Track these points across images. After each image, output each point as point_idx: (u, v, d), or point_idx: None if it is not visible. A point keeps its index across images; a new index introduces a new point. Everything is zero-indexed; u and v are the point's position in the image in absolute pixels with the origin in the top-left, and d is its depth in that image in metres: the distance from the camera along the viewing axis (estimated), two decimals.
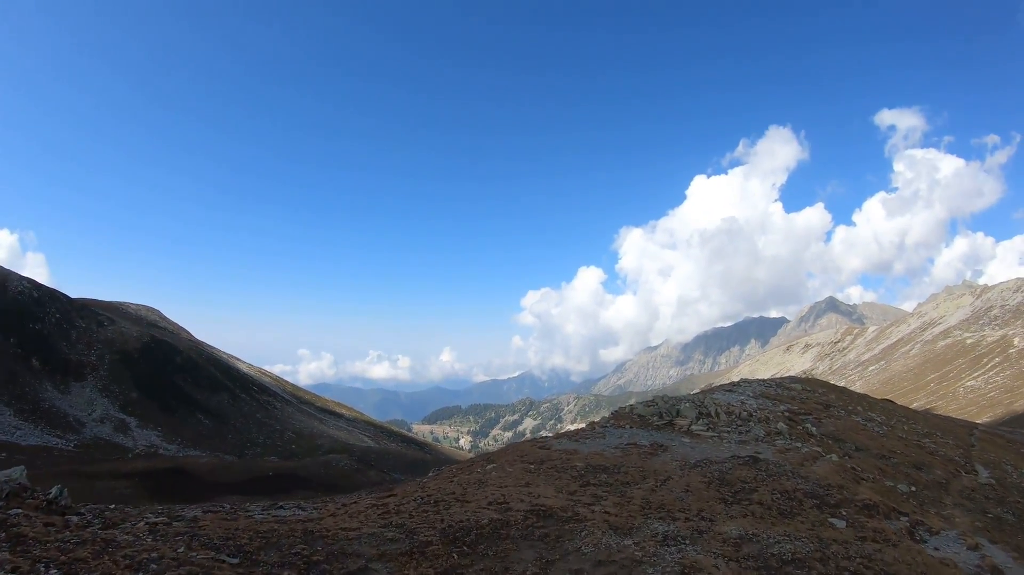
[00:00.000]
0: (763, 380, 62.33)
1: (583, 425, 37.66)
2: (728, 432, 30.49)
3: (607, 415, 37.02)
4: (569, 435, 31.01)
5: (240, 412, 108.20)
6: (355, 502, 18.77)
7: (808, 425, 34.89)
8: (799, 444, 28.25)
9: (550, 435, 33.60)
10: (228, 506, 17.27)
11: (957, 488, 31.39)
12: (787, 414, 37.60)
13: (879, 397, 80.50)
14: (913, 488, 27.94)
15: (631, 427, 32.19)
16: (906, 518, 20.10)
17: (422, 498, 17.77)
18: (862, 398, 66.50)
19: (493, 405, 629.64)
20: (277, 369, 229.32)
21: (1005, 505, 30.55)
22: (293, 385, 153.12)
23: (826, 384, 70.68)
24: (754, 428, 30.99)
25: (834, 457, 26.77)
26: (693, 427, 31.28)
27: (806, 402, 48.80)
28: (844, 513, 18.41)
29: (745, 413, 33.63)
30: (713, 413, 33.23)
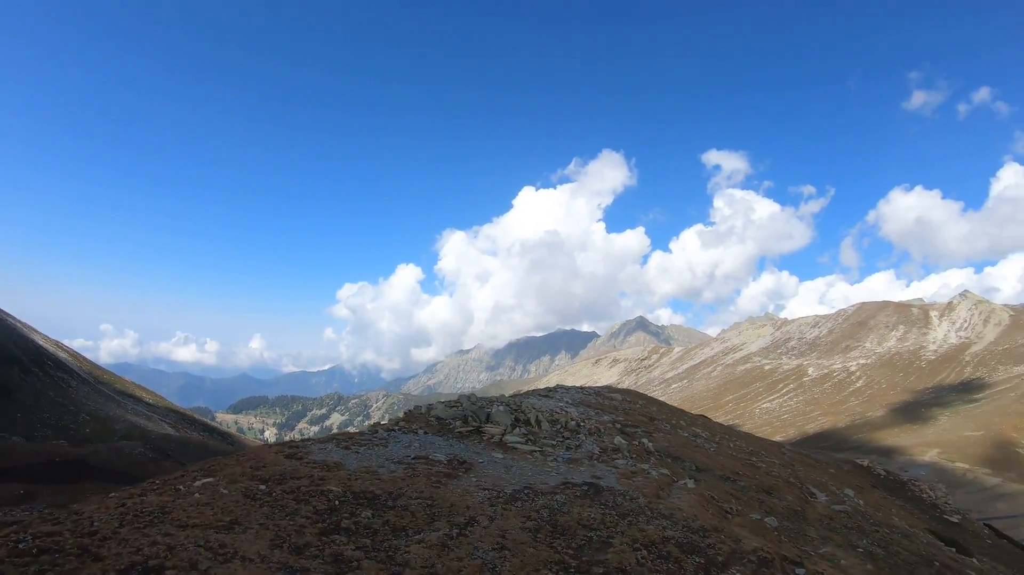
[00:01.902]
0: (581, 387, 58.25)
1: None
2: (553, 446, 24.20)
3: (401, 415, 29.63)
4: (340, 439, 22.69)
5: (31, 388, 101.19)
6: None
7: (644, 440, 29.78)
8: (644, 466, 22.54)
9: (315, 436, 24.97)
10: None
11: (814, 516, 27.59)
12: (618, 426, 32.49)
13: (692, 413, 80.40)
14: (774, 520, 23.31)
15: (426, 433, 24.84)
16: (803, 570, 14.74)
17: (20, 542, 9.23)
18: (681, 412, 64.67)
19: (301, 398, 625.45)
20: (77, 344, 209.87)
21: (867, 535, 27.22)
22: (92, 363, 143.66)
23: (645, 396, 68.40)
24: (585, 442, 25.06)
25: (690, 483, 21.31)
26: (508, 438, 24.53)
27: (630, 413, 44.67)
28: None
29: (572, 423, 27.67)
30: (534, 421, 26.90)
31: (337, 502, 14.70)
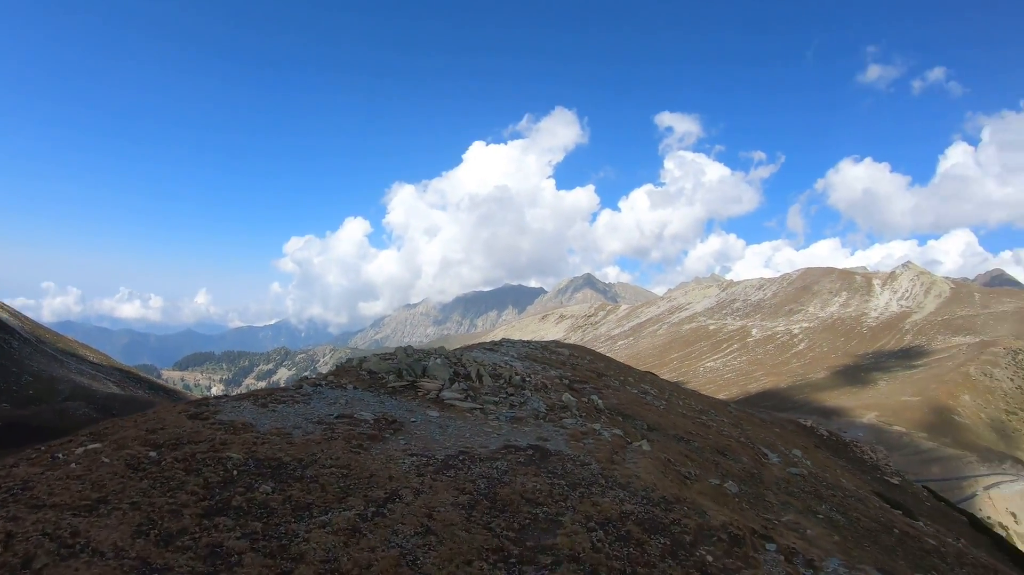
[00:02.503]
0: (528, 342, 56.47)
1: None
2: (495, 403, 22.14)
3: (331, 369, 27.16)
4: (258, 396, 20.17)
5: None
6: None
7: (594, 397, 27.96)
8: (595, 426, 20.66)
9: (231, 393, 22.35)
10: None
11: (771, 479, 26.33)
12: (566, 382, 30.68)
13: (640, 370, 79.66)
14: (733, 485, 21.83)
15: (356, 388, 22.54)
16: (773, 545, 13.04)
17: None
18: (628, 369, 63.59)
19: (248, 353, 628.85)
20: (18, 303, 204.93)
21: (824, 499, 26.13)
22: (34, 322, 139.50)
23: (592, 352, 67.09)
24: (531, 399, 23.06)
25: (645, 445, 19.59)
26: (445, 393, 22.37)
27: (578, 368, 43.04)
28: (711, 560, 10.59)
29: (517, 378, 25.61)
30: (475, 375, 24.76)
31: (235, 472, 12.42)
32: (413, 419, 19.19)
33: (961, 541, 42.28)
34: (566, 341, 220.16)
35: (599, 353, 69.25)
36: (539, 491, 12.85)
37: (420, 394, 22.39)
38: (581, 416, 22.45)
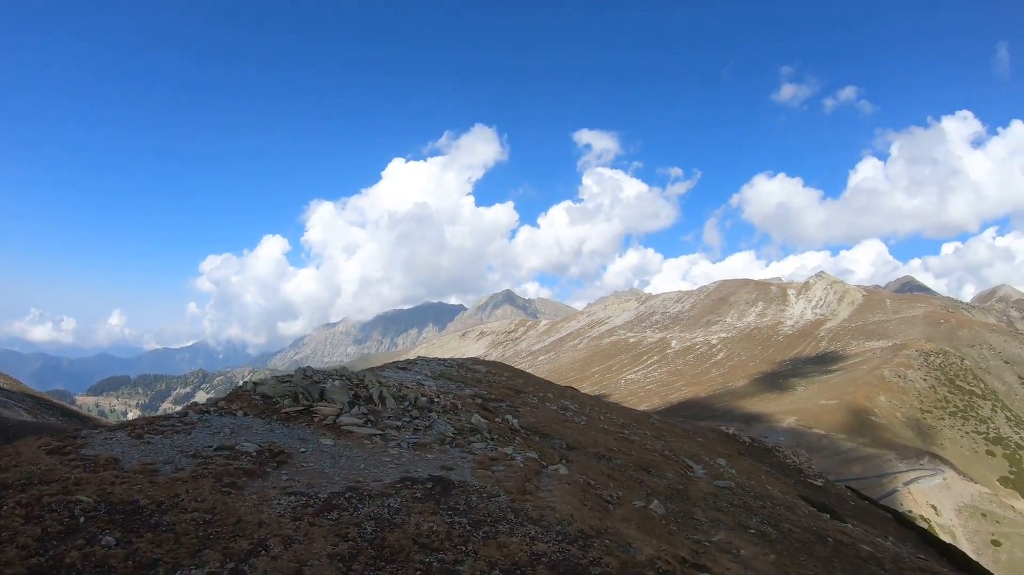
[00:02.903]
0: (444, 359, 54.49)
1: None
2: (398, 428, 20.12)
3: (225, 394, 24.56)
4: (136, 426, 17.63)
5: None
6: None
7: (509, 416, 26.22)
8: (507, 449, 18.88)
9: (120, 422, 19.52)
10: None
11: (698, 495, 25.08)
12: (479, 401, 28.85)
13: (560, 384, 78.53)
14: (660, 505, 20.39)
15: (246, 414, 20.24)
16: None
17: None
18: (548, 384, 62.30)
19: (164, 376, 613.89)
20: None
21: (754, 512, 25.01)
22: None
23: (511, 368, 65.56)
24: (437, 422, 21.15)
25: (562, 468, 17.90)
26: (343, 418, 20.28)
27: (495, 386, 41.33)
28: None
29: (424, 399, 23.60)
30: (377, 398, 22.63)
31: (82, 519, 10.23)
32: (303, 449, 17.10)
33: (890, 539, 42.41)
34: (487, 358, 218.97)
35: (518, 369, 67.74)
36: (436, 534, 10.97)
37: (316, 420, 20.24)
38: (493, 439, 20.66)
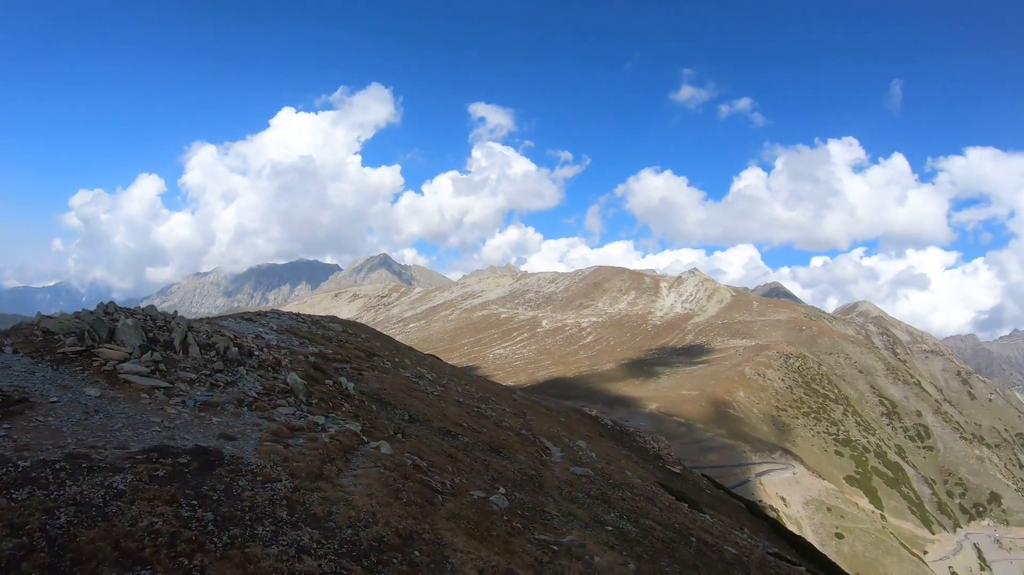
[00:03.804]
0: (299, 315, 50.28)
1: None
2: (192, 381, 16.25)
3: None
4: None
5: None
6: None
7: (343, 379, 22.54)
8: (319, 418, 15.34)
9: None
10: None
11: (552, 483, 22.42)
12: (314, 359, 25.13)
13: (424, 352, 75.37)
14: (504, 492, 17.46)
15: (15, 351, 16.05)
16: None
17: None
18: (409, 350, 58.93)
19: (22, 317, 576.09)
20: None
21: (613, 506, 22.62)
22: None
23: (370, 330, 61.68)
24: (245, 378, 17.38)
25: (385, 446, 14.56)
26: (127, 365, 16.14)
27: (345, 346, 37.60)
28: None
29: (236, 349, 19.60)
30: (178, 344, 18.45)
31: None
32: (55, 398, 13.17)
33: (746, 531, 42.00)
34: (359, 320, 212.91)
35: (378, 332, 63.93)
36: (155, 535, 7.42)
37: (96, 364, 15.99)
38: (310, 404, 17.08)
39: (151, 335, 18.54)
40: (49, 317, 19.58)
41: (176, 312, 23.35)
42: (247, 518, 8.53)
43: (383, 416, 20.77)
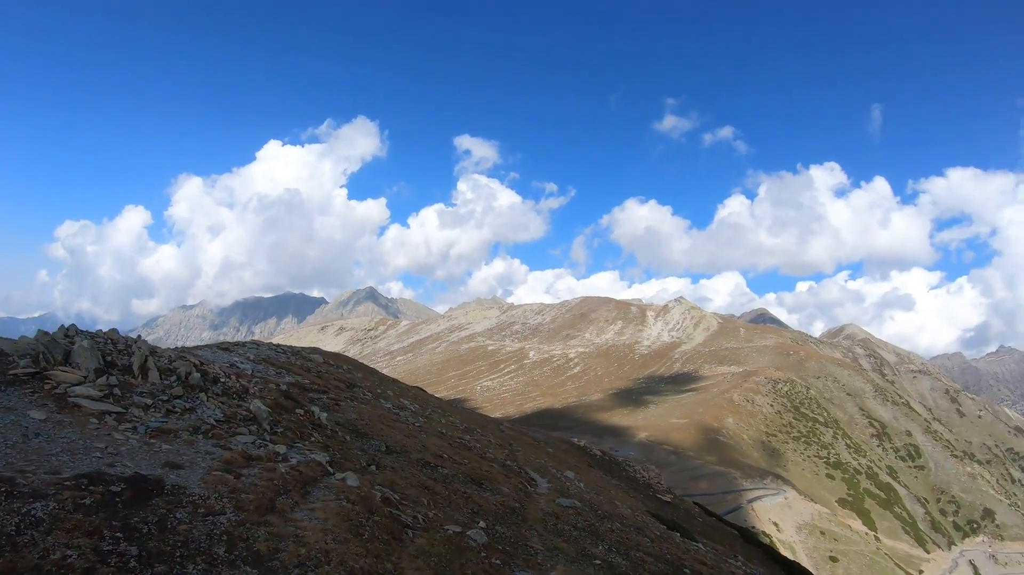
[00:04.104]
0: (279, 346, 49.14)
1: None
2: (147, 407, 15.33)
3: None
4: None
5: None
6: None
7: (316, 408, 21.41)
8: (281, 447, 14.27)
9: None
10: None
11: (537, 515, 21.26)
12: (287, 388, 23.95)
13: (410, 384, 74.02)
14: (483, 526, 16.35)
15: None
16: None
17: None
18: (392, 382, 57.71)
19: None
20: None
21: (601, 538, 21.45)
22: None
23: (353, 361, 60.33)
24: (205, 404, 16.39)
25: (351, 477, 13.50)
26: (79, 389, 15.29)
27: (324, 376, 36.43)
28: None
29: (198, 375, 18.51)
30: (136, 368, 17.42)
31: None
32: None
33: (740, 559, 40.74)
34: (346, 354, 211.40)
35: (361, 363, 62.64)
36: (66, 569, 6.42)
37: (47, 387, 15.06)
38: (274, 432, 16.00)
39: (109, 358, 17.57)
40: (4, 338, 18.51)
41: (157, 344, 22.36)
42: (178, 554, 7.49)
43: (356, 447, 19.64)
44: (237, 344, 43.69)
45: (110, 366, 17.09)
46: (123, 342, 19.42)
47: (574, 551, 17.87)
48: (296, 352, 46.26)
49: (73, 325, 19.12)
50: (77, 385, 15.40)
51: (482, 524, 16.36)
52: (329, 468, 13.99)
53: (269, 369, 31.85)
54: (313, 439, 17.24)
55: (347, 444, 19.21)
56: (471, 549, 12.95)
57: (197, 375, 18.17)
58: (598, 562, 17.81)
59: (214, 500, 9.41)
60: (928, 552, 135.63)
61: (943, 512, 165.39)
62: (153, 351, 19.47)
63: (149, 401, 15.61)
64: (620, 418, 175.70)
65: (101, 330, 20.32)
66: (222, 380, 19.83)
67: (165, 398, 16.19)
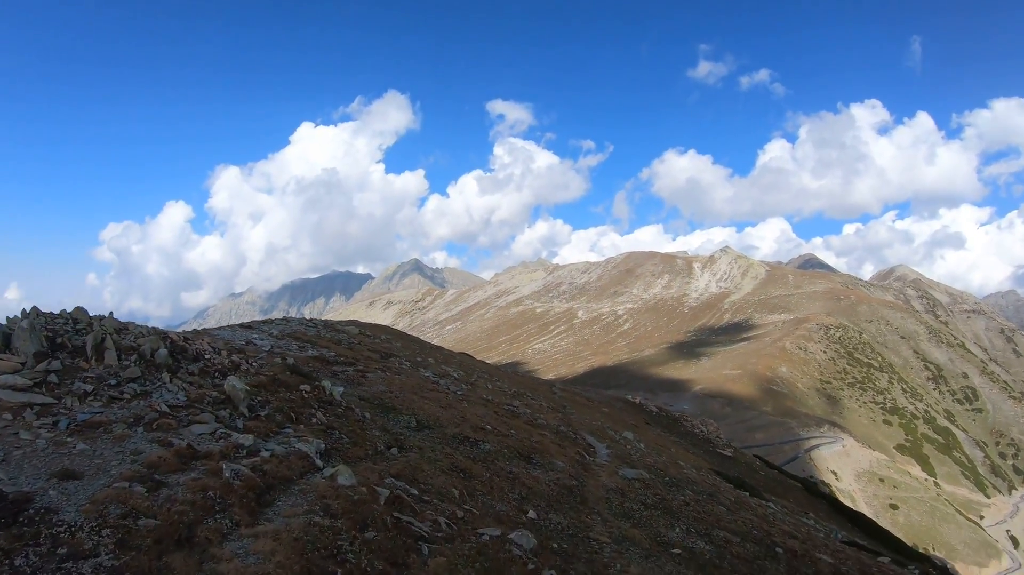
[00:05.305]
0: (311, 320, 46.66)
1: None
2: (89, 393, 12.38)
3: None
4: None
5: None
6: None
7: (327, 383, 17.85)
8: (248, 437, 10.84)
9: None
10: None
11: (598, 493, 17.57)
12: (295, 364, 20.52)
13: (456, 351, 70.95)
14: (534, 516, 12.72)
15: None
16: None
17: None
18: (436, 349, 54.66)
19: None
20: None
21: (677, 515, 17.68)
22: None
23: (394, 331, 57.39)
24: (167, 386, 13.43)
25: (344, 473, 9.98)
26: (4, 378, 11.96)
27: (356, 348, 33.25)
28: None
29: (190, 354, 15.24)
30: (90, 349, 14.22)
31: None
32: None
33: (811, 515, 36.94)
34: (395, 326, 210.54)
35: (402, 332, 59.74)
36: None
37: None
38: (252, 416, 12.56)
39: (60, 340, 14.18)
40: None
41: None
42: None
43: (377, 426, 16.09)
44: (265, 322, 40.87)
45: (59, 348, 13.73)
46: (85, 320, 16.03)
47: (647, 539, 14.22)
48: (329, 325, 43.33)
49: (35, 307, 15.76)
50: (12, 374, 12.18)
51: (532, 515, 12.79)
52: (318, 461, 10.48)
53: (291, 344, 28.75)
54: (313, 422, 13.74)
55: (363, 424, 15.68)
56: (514, 560, 9.31)
57: (164, 352, 14.70)
58: (677, 551, 14.15)
59: (86, 533, 5.91)
60: (988, 497, 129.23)
61: (1003, 455, 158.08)
62: (122, 329, 16.06)
63: (91, 387, 12.28)
64: (673, 372, 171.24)
65: (156, 327, 17.51)
66: (207, 357, 16.42)
67: (114, 382, 12.84)
